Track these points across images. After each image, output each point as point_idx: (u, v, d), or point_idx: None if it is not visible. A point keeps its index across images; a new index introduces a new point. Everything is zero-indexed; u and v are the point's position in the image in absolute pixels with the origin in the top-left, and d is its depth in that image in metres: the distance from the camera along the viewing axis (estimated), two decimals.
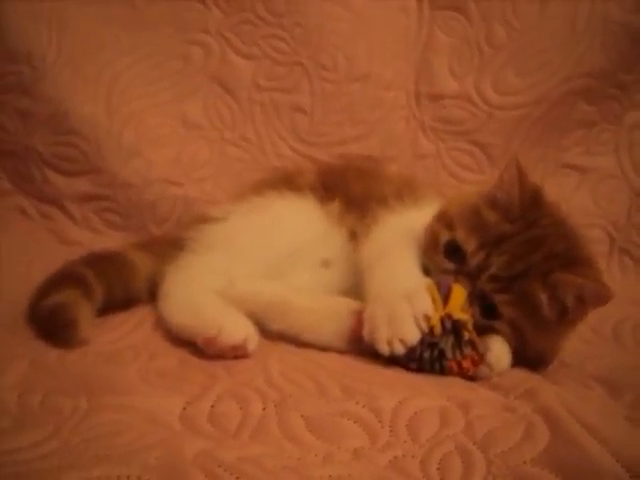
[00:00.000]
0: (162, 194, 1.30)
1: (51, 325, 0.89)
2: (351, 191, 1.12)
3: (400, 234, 0.99)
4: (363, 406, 0.73)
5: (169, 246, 1.09)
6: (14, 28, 1.23)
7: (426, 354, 0.83)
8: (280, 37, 1.37)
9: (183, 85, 1.35)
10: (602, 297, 0.85)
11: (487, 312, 0.87)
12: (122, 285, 1.02)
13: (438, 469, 0.63)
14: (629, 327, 1.10)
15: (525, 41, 1.39)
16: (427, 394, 0.77)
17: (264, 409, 0.72)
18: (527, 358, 0.88)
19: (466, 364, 0.83)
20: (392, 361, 0.84)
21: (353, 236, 1.05)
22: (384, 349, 0.82)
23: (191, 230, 1.09)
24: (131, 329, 0.96)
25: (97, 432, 0.65)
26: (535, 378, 0.84)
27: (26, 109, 1.25)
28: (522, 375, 0.85)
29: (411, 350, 0.82)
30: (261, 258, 1.03)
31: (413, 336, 0.82)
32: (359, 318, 0.87)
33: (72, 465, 0.59)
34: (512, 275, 0.85)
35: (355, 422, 0.71)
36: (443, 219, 0.93)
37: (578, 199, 1.42)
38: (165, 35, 1.34)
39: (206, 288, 0.97)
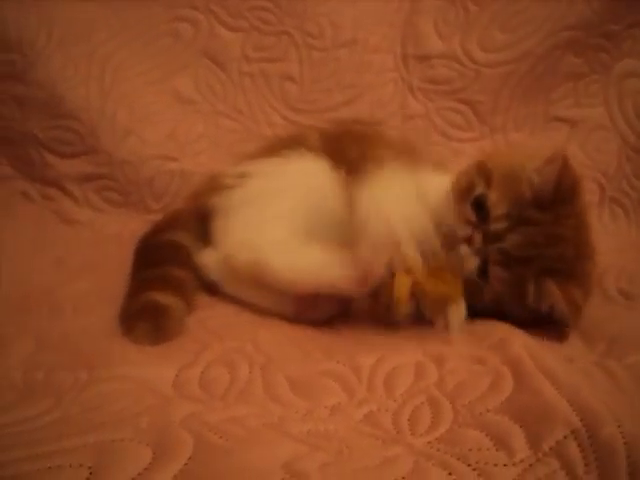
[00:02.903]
0: (158, 170, 1.34)
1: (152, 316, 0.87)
2: (348, 155, 1.14)
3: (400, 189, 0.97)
4: (344, 365, 0.78)
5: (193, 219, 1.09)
6: (2, 18, 1.26)
7: None
8: (266, 8, 1.39)
9: (174, 62, 1.39)
10: (564, 320, 0.86)
11: (481, 273, 0.88)
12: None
13: (409, 420, 0.67)
14: (613, 276, 1.11)
15: None
16: (404, 351, 0.81)
17: (250, 372, 0.76)
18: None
19: None
20: None
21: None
22: None
23: (209, 200, 1.07)
24: None
25: (94, 402, 0.69)
26: (507, 327, 0.86)
27: (22, 96, 1.29)
28: (496, 324, 0.88)
29: None
30: (294, 214, 1.01)
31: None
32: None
33: (70, 432, 0.63)
34: (518, 257, 0.86)
35: (335, 380, 0.75)
36: (482, 171, 0.92)
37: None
38: (153, 13, 1.38)
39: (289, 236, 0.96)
